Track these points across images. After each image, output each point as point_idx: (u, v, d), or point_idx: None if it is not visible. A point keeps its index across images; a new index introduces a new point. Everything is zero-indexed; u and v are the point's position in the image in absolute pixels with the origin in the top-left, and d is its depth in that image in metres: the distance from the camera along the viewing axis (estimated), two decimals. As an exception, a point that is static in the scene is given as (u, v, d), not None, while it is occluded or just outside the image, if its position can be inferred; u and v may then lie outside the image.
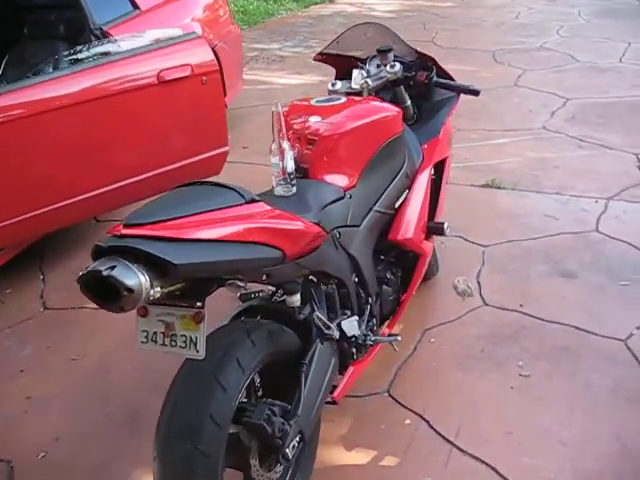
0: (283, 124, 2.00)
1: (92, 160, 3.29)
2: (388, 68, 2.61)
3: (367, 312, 2.28)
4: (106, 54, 3.36)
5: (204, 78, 3.49)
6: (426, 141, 2.63)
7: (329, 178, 2.17)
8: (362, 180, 2.24)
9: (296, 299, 1.88)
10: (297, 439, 1.89)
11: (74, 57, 3.46)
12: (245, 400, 1.86)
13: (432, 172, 2.68)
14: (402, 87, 2.67)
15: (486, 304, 3.06)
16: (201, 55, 3.48)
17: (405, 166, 2.43)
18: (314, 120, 2.24)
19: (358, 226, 2.22)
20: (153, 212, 1.56)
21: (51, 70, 3.67)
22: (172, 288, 1.54)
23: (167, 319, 1.66)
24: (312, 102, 2.34)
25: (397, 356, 2.74)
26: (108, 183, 3.36)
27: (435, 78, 2.63)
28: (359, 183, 2.23)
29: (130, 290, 1.41)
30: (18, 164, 3.11)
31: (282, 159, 2.00)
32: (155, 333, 1.67)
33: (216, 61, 3.52)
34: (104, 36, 3.67)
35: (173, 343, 1.65)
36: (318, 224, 1.93)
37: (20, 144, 3.10)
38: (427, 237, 2.59)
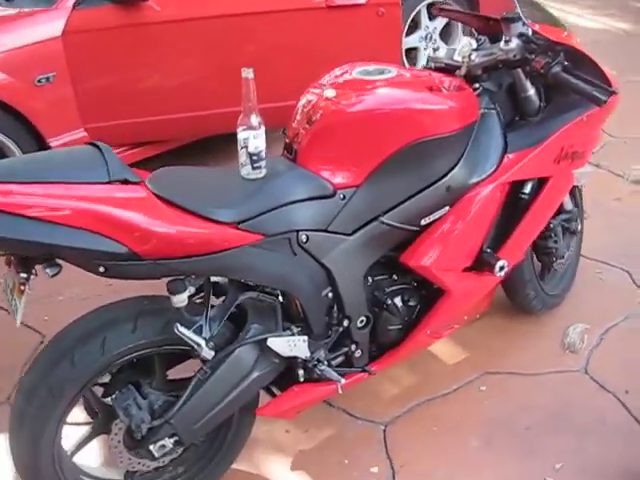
0: (253, 93, 1.67)
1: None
2: (502, 44, 1.99)
3: (334, 335, 1.89)
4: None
5: (381, 9, 3.09)
6: (518, 149, 1.98)
7: (319, 169, 1.78)
8: (370, 181, 1.80)
9: (178, 300, 1.62)
10: (171, 441, 1.73)
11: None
12: (132, 382, 1.74)
13: (524, 190, 2.05)
14: (520, 72, 2.03)
15: (586, 371, 2.34)
16: (383, -18, 3.07)
17: (449, 176, 1.87)
18: (327, 94, 1.83)
19: (348, 234, 1.81)
20: None
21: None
22: None
23: (15, 279, 1.57)
24: (353, 71, 1.90)
25: (426, 391, 2.29)
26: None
27: (556, 70, 1.93)
28: (365, 184, 1.80)
29: None
30: (172, 64, 3.18)
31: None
32: (8, 286, 1.62)
33: (398, -8, 3.07)
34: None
35: (10, 302, 1.59)
36: (235, 224, 1.61)
37: (177, 45, 3.15)
38: (479, 270, 2.02)
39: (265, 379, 1.84)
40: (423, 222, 1.89)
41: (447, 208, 1.90)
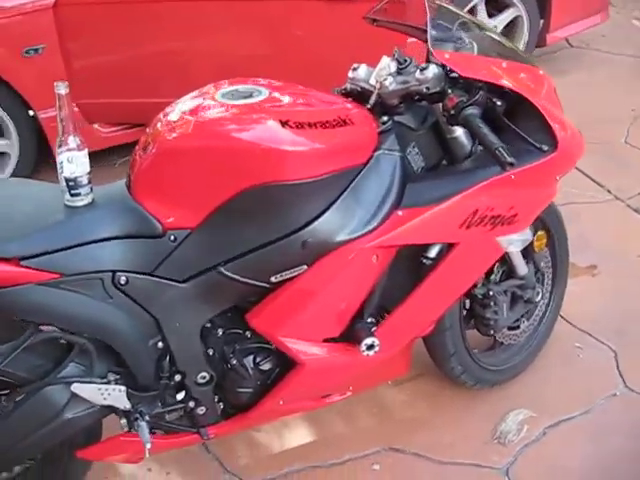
0: (69, 111, 1.45)
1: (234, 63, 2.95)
2: (417, 72, 1.62)
3: (164, 389, 1.65)
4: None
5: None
6: (413, 205, 1.61)
7: (149, 204, 1.53)
8: (207, 225, 1.53)
9: None
10: None
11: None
12: None
13: (427, 254, 1.69)
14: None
15: (507, 473, 1.94)
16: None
17: (307, 230, 1.54)
18: (171, 118, 1.57)
19: (180, 282, 1.56)
20: None
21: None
22: None
23: None
24: (219, 91, 1.61)
25: (314, 456, 2.00)
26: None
27: (469, 112, 1.54)
28: (200, 227, 1.53)
29: None
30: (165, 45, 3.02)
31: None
32: None
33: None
34: None
35: None
36: (17, 260, 1.41)
37: (170, 25, 2.97)
38: (346, 343, 1.69)
39: (83, 421, 1.65)
40: (274, 279, 1.58)
41: (305, 267, 1.58)
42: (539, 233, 1.96)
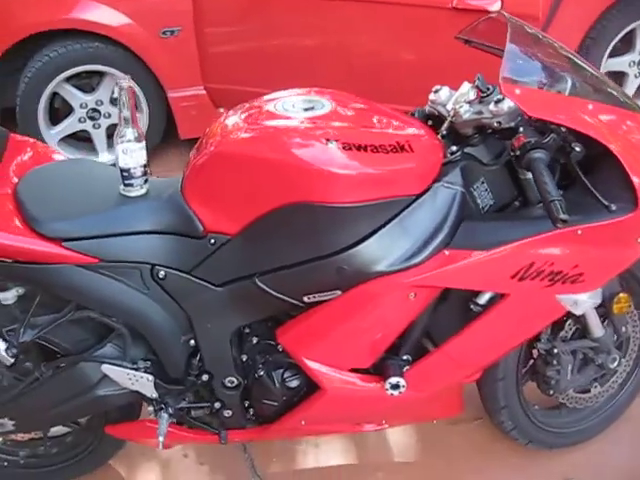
0: (130, 104, 1.51)
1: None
2: (492, 104, 1.50)
3: (190, 385, 1.67)
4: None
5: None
6: (462, 247, 1.49)
7: (194, 204, 1.54)
8: (246, 233, 1.52)
9: (3, 297, 1.57)
10: (10, 423, 1.75)
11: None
12: None
13: (477, 301, 1.57)
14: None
15: None
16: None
17: (342, 256, 1.47)
18: (228, 122, 1.56)
19: (215, 285, 1.56)
20: None
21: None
22: None
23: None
24: (278, 102, 1.57)
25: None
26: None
27: (535, 155, 1.40)
28: (240, 235, 1.52)
29: None
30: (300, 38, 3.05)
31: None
32: None
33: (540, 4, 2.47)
34: None
35: None
36: (60, 241, 1.49)
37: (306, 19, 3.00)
38: (374, 376, 1.61)
39: (114, 401, 1.73)
40: (306, 299, 1.54)
41: (338, 292, 1.52)
42: (620, 295, 1.75)
